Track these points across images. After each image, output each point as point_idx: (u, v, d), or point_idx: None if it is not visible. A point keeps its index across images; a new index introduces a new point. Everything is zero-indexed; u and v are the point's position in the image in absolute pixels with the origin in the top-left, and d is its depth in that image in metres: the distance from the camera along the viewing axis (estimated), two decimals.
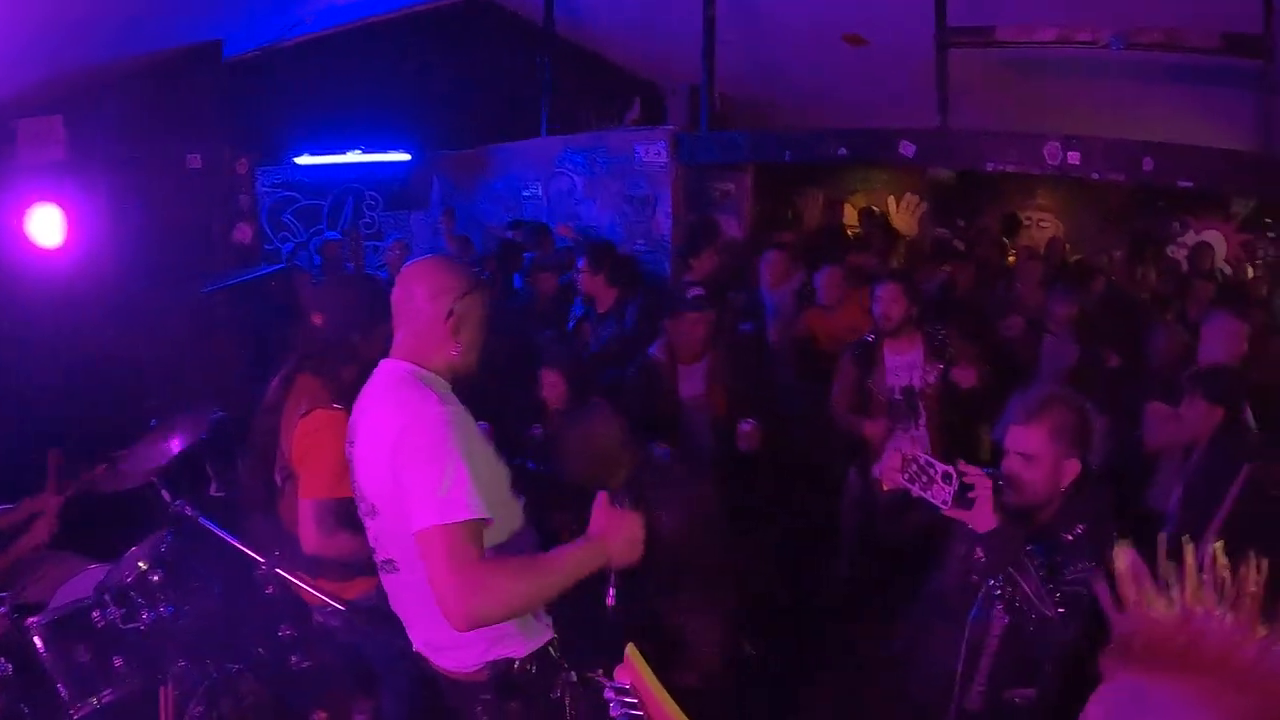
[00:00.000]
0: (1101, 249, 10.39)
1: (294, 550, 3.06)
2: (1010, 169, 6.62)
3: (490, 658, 2.40)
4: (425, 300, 2.38)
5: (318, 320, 3.37)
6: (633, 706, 1.51)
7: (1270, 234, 9.59)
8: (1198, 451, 3.95)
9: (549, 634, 2.50)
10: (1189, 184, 6.15)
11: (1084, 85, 7.95)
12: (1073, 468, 2.64)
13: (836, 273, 6.01)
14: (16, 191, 5.20)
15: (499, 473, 2.38)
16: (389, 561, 2.42)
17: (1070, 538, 2.59)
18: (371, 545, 2.48)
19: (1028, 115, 7.83)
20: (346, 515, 2.95)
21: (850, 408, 4.99)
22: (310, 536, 3.02)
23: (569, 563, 2.23)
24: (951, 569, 2.83)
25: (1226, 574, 0.89)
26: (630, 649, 1.60)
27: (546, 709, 2.46)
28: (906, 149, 6.77)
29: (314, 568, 3.06)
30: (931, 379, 4.85)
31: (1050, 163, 6.27)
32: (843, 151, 7.15)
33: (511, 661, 2.41)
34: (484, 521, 2.12)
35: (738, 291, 6.70)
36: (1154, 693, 0.87)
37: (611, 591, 2.47)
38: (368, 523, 2.45)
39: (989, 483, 2.50)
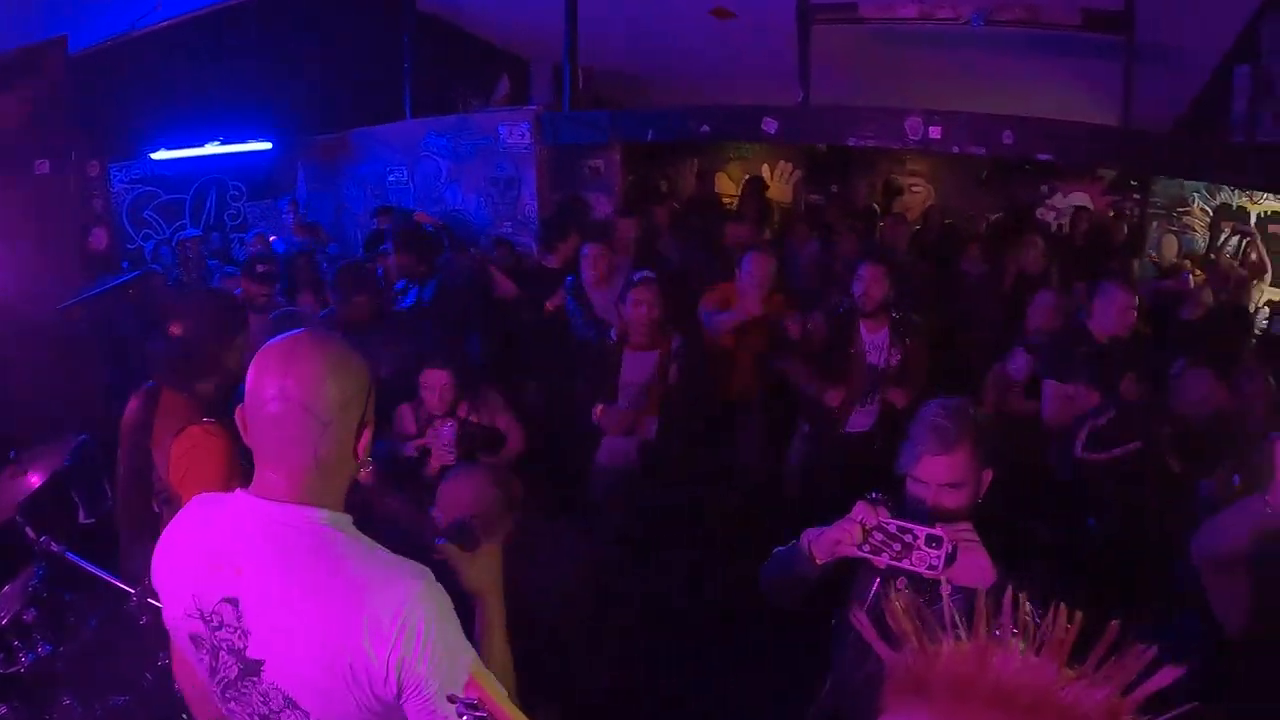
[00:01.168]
0: (974, 213, 10.77)
1: None
2: (872, 144, 6.80)
3: None
4: (325, 411, 1.72)
5: (175, 331, 3.24)
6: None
7: (1136, 195, 10.05)
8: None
9: None
10: (1048, 157, 6.42)
11: (946, 58, 8.20)
12: (988, 476, 2.55)
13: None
14: None
15: None
16: None
17: None
18: None
19: (890, 89, 8.05)
20: None
21: (820, 373, 5.14)
22: None
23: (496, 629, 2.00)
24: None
25: (1029, 619, 0.94)
26: (474, 663, 1.61)
27: None
28: (769, 125, 6.90)
29: None
30: (894, 361, 5.12)
31: (912, 137, 6.48)
32: (705, 129, 7.25)
33: None
34: None
35: None
36: None
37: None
38: None
39: (973, 534, 2.30)
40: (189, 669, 1.92)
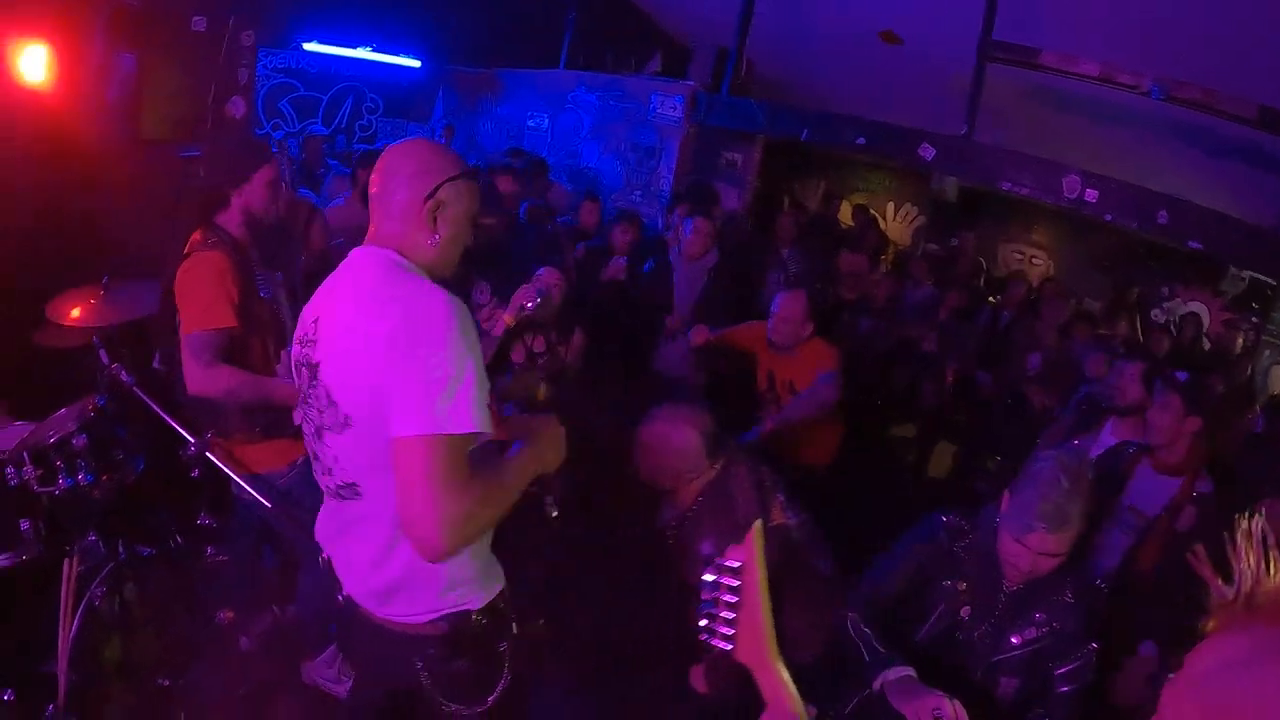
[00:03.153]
0: (1085, 294, 10.37)
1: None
2: (1025, 193, 6.50)
3: (445, 609, 2.11)
4: (405, 180, 2.05)
5: (200, 170, 3.56)
6: (732, 589, 1.45)
7: (1254, 318, 9.57)
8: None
9: (501, 583, 2.23)
10: (1198, 245, 6.06)
11: (1107, 130, 7.86)
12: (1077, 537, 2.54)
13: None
14: (4, 26, 4.93)
15: (485, 382, 1.98)
16: (349, 486, 2.05)
17: (1070, 598, 2.57)
18: (326, 464, 2.08)
19: (1043, 148, 7.74)
20: (225, 350, 3.09)
21: None
22: (192, 373, 3.03)
23: (518, 473, 2.02)
24: (936, 625, 2.73)
25: None
26: (756, 526, 1.50)
27: (489, 663, 2.21)
28: (926, 152, 6.64)
29: (217, 419, 3.15)
30: None
31: (1067, 195, 6.19)
32: (861, 141, 7.00)
33: (468, 614, 2.13)
34: (477, 437, 1.88)
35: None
36: None
37: (549, 500, 2.27)
38: (330, 439, 2.02)
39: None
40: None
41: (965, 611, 2.65)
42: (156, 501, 3.42)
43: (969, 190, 9.78)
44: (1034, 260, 11.17)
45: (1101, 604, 2.60)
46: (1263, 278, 9.16)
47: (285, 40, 9.13)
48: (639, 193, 8.21)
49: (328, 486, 2.13)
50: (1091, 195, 6.14)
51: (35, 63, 4.94)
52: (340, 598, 2.23)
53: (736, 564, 1.45)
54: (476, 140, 9.88)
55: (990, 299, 8.37)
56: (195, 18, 6.08)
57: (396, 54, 9.76)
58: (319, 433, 2.05)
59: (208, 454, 2.88)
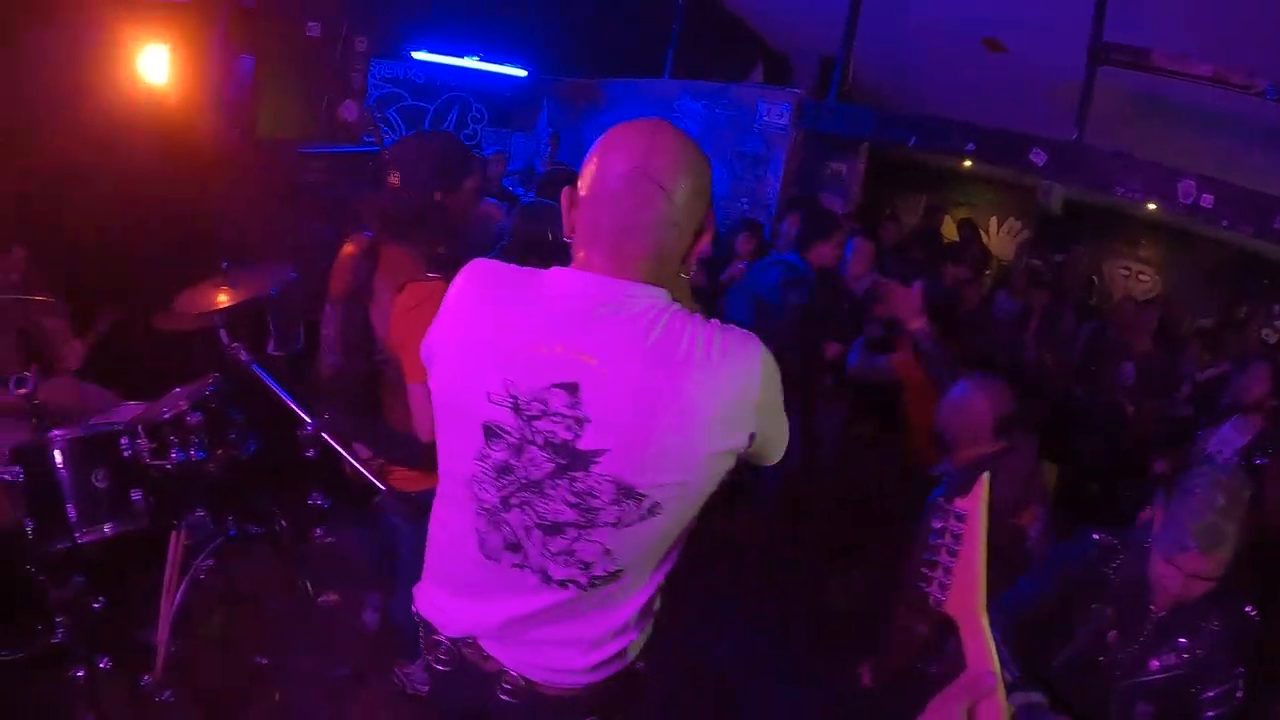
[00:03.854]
0: (1194, 314, 9.99)
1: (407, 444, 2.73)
2: (1139, 198, 6.31)
3: (613, 662, 1.75)
4: (669, 198, 1.57)
5: (394, 181, 2.90)
6: (955, 536, 1.42)
7: None
8: None
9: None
10: None
11: (1217, 138, 7.60)
12: None
13: None
14: (129, 28, 5.12)
15: None
16: (612, 575, 1.64)
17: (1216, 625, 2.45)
18: (583, 560, 1.62)
19: (1153, 157, 7.53)
20: None
21: None
22: (426, 422, 2.59)
23: None
24: (1079, 648, 2.62)
25: None
26: (984, 478, 1.44)
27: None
28: (1038, 157, 6.48)
29: (416, 457, 2.71)
30: None
31: (1183, 200, 6.00)
32: (970, 147, 6.87)
33: (632, 664, 1.79)
34: None
35: None
36: None
37: None
38: (602, 533, 1.59)
39: None
40: (449, 452, 1.72)
41: (1112, 636, 2.54)
42: (267, 482, 3.46)
43: (1075, 204, 9.50)
44: (1140, 277, 10.81)
45: (1254, 631, 2.44)
46: None
47: (395, 49, 9.33)
48: (746, 200, 8.16)
49: (563, 581, 1.65)
50: (1207, 200, 5.95)
51: (157, 64, 5.12)
52: (508, 687, 1.77)
53: (962, 511, 1.42)
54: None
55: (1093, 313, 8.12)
56: (310, 23, 6.27)
57: (503, 63, 9.90)
58: (562, 528, 1.60)
59: (324, 435, 2.87)
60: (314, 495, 3.48)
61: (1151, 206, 7.89)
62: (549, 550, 1.61)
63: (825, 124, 7.83)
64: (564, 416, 1.53)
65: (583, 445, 1.52)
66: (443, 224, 2.89)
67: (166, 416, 3.09)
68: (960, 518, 1.42)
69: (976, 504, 1.42)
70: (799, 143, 7.97)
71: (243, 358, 3.04)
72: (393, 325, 2.69)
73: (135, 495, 3.02)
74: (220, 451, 3.13)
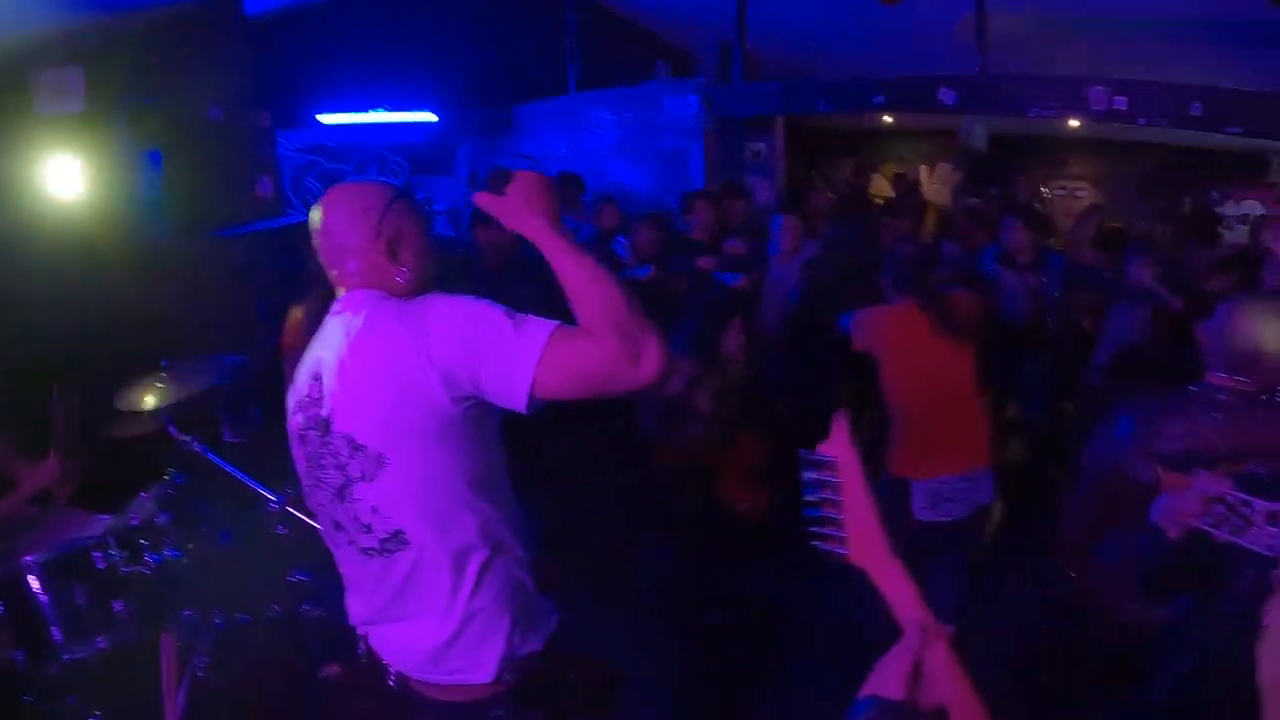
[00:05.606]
0: (1141, 219, 10.13)
1: None
2: (1054, 114, 6.40)
3: (510, 653, 1.99)
4: (346, 230, 1.98)
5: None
6: (835, 486, 1.37)
7: None
8: None
9: (555, 615, 2.13)
10: (1238, 130, 5.87)
11: (1123, 44, 7.69)
12: None
13: None
14: (35, 143, 5.08)
15: None
16: (394, 536, 1.92)
17: None
18: (362, 523, 1.94)
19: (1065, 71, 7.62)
20: None
21: None
22: None
23: (570, 252, 1.80)
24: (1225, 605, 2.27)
25: None
26: (839, 417, 1.41)
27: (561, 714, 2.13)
28: (946, 96, 6.57)
29: None
30: None
31: (1095, 107, 6.07)
32: (879, 99, 6.95)
33: (531, 658, 2.03)
34: None
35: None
36: None
37: None
38: (362, 490, 1.90)
39: None
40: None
41: None
42: (246, 566, 3.45)
43: (1000, 138, 9.62)
44: (1078, 194, 10.95)
45: None
46: None
47: (301, 118, 9.30)
48: (673, 198, 8.18)
49: (367, 549, 1.96)
50: (1120, 102, 6.04)
51: (69, 177, 5.08)
52: (391, 682, 2.09)
53: (829, 457, 1.38)
54: None
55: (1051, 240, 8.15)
56: (211, 108, 6.24)
57: (411, 109, 9.89)
58: (344, 492, 1.93)
59: (291, 509, 2.89)
60: (293, 572, 3.46)
61: (1074, 123, 7.98)
62: (346, 519, 1.97)
63: (734, 107, 7.88)
64: (314, 399, 1.97)
65: (323, 413, 1.94)
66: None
67: (136, 523, 3.09)
68: (830, 466, 1.38)
69: (841, 445, 1.37)
70: (713, 130, 8.01)
71: (196, 449, 3.04)
72: None
73: (118, 606, 3.02)
74: (194, 547, 3.12)
